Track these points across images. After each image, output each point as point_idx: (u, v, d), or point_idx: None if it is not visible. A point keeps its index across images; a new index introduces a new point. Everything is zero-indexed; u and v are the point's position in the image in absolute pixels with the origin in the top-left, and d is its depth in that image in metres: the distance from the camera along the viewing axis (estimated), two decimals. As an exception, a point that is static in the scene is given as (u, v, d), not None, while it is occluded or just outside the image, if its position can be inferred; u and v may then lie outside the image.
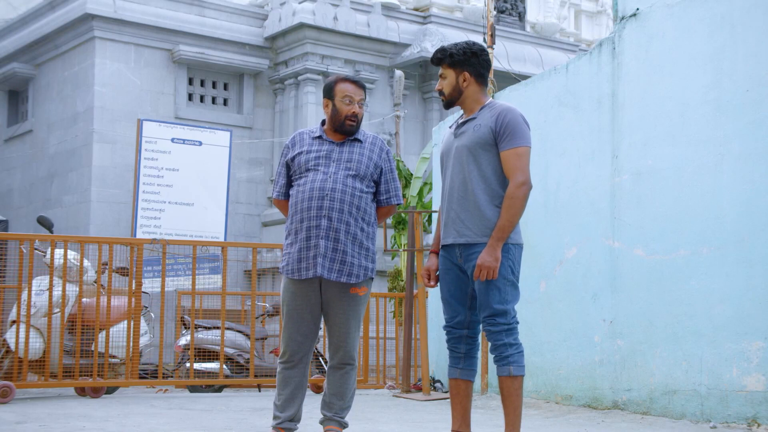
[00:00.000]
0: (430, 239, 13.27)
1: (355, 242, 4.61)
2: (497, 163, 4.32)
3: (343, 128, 4.69)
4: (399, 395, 8.14)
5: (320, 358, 9.71)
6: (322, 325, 4.79)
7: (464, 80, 4.44)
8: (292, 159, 4.72)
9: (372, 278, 4.74)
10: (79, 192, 15.55)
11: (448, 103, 4.52)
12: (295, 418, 4.73)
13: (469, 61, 4.43)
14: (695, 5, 6.01)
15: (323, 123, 4.79)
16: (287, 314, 4.69)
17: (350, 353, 4.71)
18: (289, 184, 4.77)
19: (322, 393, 4.83)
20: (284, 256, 4.70)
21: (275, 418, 4.72)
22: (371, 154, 4.73)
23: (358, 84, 4.74)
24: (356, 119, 4.70)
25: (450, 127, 4.58)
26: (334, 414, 4.74)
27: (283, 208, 4.82)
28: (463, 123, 4.45)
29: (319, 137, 4.73)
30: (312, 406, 5.75)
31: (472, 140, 4.34)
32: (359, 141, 4.74)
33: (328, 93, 4.74)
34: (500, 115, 4.33)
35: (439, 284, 4.51)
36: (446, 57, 4.44)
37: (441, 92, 4.51)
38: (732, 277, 5.60)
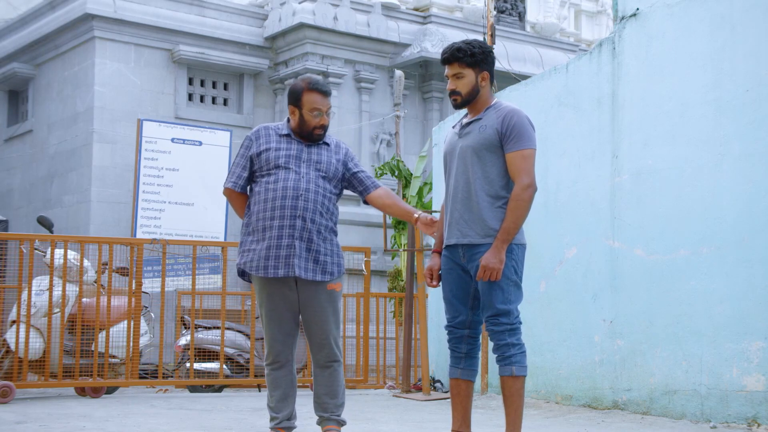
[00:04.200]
0: (430, 239, 13.27)
1: (326, 241, 4.63)
2: (502, 164, 4.31)
3: (311, 138, 4.67)
4: (399, 395, 8.14)
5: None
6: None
7: (483, 80, 4.39)
8: (258, 154, 4.65)
9: (343, 273, 4.75)
10: (79, 192, 15.55)
11: (464, 104, 4.41)
12: (292, 416, 4.74)
13: (487, 60, 4.39)
14: (695, 5, 6.01)
15: (288, 120, 4.75)
16: (267, 315, 4.67)
17: (334, 350, 4.70)
18: (249, 179, 4.71)
19: (313, 393, 4.80)
20: (246, 252, 4.62)
21: (273, 419, 4.72)
22: (337, 156, 4.74)
23: (326, 92, 4.65)
24: (324, 129, 4.68)
25: (453, 127, 4.55)
26: (331, 414, 4.73)
27: (236, 200, 4.72)
28: (468, 123, 4.42)
29: (287, 135, 4.70)
30: (312, 406, 5.74)
31: (477, 141, 4.33)
32: (326, 144, 4.74)
33: (295, 101, 4.65)
34: (506, 117, 4.31)
35: (441, 284, 4.50)
36: (467, 56, 4.34)
37: (455, 92, 4.38)
38: (732, 277, 5.60)
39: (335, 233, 4.72)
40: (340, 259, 4.71)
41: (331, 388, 4.72)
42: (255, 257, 4.59)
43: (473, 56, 4.35)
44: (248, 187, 4.74)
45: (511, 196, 4.26)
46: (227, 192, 4.75)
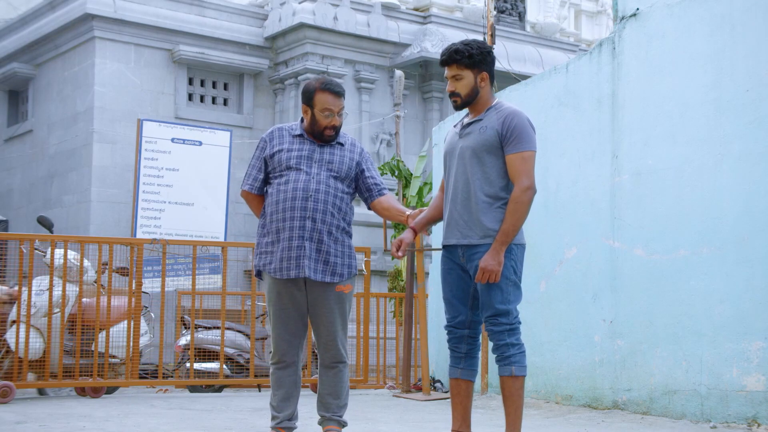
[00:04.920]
0: (430, 239, 13.26)
1: (337, 242, 4.63)
2: (501, 165, 4.31)
3: (322, 137, 4.67)
4: (399, 395, 8.14)
5: (321, 358, 9.69)
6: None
7: (482, 80, 4.39)
8: (271, 156, 4.68)
9: (356, 275, 4.75)
10: (79, 192, 15.55)
11: (464, 105, 4.42)
12: (294, 417, 4.75)
13: (485, 61, 4.39)
14: (695, 5, 6.01)
15: (302, 120, 4.76)
16: (274, 314, 4.69)
17: (340, 352, 4.71)
18: (265, 180, 4.73)
19: (317, 393, 4.83)
20: (264, 254, 4.65)
21: (274, 418, 4.73)
22: (352, 155, 4.73)
23: (338, 93, 4.65)
24: (335, 130, 4.67)
25: (454, 126, 4.55)
26: (333, 414, 4.74)
27: (253, 202, 4.77)
28: (469, 124, 4.42)
29: (300, 135, 4.71)
30: (312, 406, 5.75)
31: (477, 142, 4.32)
32: (340, 144, 4.74)
33: (308, 101, 4.66)
34: (507, 118, 4.30)
35: (441, 284, 4.51)
36: (465, 57, 4.34)
37: (455, 93, 4.39)
38: (732, 277, 5.60)
39: (348, 234, 4.70)
40: (352, 260, 4.71)
41: (334, 389, 4.73)
42: (274, 259, 4.60)
43: (471, 57, 4.35)
44: (265, 189, 4.76)
45: (511, 198, 4.26)
46: (244, 194, 4.80)
